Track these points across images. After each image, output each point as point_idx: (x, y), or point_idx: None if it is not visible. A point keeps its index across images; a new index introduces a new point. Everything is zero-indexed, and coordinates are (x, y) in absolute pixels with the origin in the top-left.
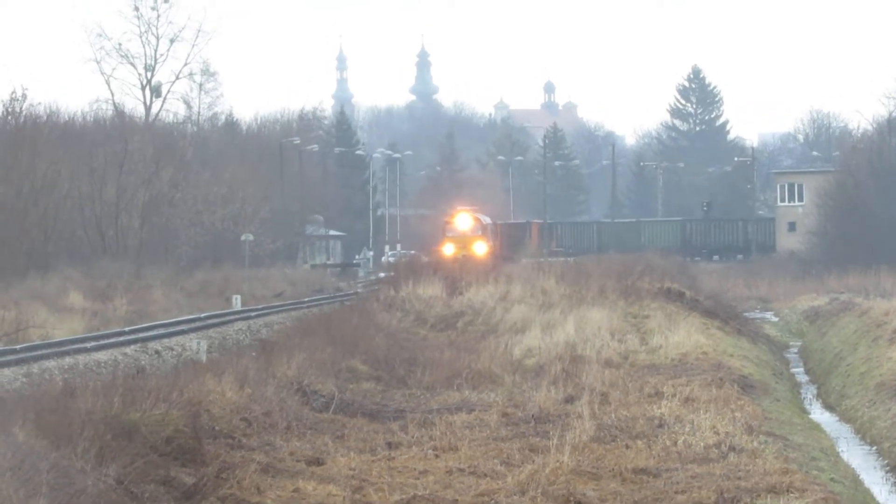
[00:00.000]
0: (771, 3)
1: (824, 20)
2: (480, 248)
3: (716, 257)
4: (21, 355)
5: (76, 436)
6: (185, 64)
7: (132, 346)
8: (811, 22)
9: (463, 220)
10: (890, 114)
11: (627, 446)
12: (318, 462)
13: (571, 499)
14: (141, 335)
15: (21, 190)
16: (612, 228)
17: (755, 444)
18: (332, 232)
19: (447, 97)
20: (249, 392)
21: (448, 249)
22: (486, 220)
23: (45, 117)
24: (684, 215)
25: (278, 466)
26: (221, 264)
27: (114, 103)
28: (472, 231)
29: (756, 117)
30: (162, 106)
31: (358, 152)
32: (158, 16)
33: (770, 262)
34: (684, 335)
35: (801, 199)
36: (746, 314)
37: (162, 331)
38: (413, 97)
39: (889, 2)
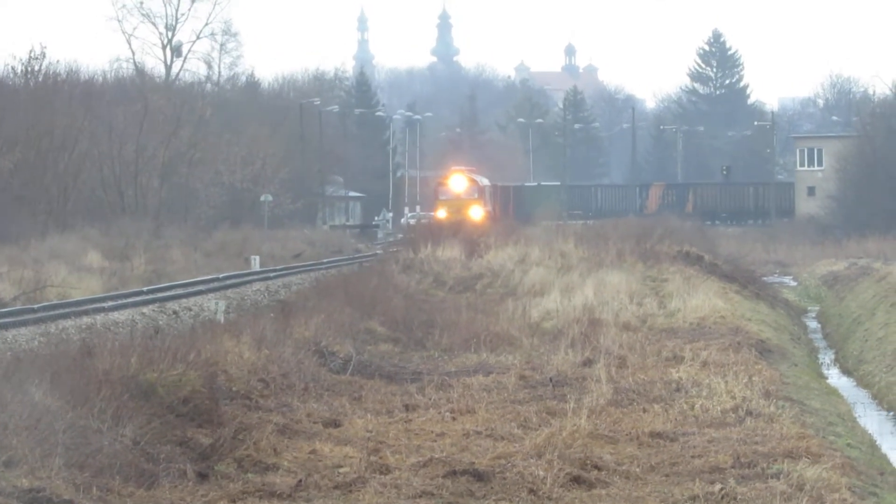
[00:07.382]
0: None
1: None
2: (476, 213)
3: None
4: (39, 314)
5: (93, 396)
6: (206, 24)
7: (150, 306)
8: None
9: (457, 181)
10: None
11: (644, 410)
12: (335, 424)
13: (588, 462)
14: (159, 295)
15: (40, 149)
16: (529, 192)
17: (772, 408)
18: (352, 193)
19: (468, 59)
20: (267, 353)
21: (441, 214)
22: (484, 181)
23: (64, 76)
24: (703, 178)
25: (295, 428)
26: (240, 225)
27: (134, 62)
28: (468, 193)
29: (776, 82)
30: (182, 66)
31: (378, 113)
32: None
33: (789, 227)
34: (702, 299)
35: (820, 164)
36: (765, 278)
37: (180, 291)
38: (434, 59)
39: None
